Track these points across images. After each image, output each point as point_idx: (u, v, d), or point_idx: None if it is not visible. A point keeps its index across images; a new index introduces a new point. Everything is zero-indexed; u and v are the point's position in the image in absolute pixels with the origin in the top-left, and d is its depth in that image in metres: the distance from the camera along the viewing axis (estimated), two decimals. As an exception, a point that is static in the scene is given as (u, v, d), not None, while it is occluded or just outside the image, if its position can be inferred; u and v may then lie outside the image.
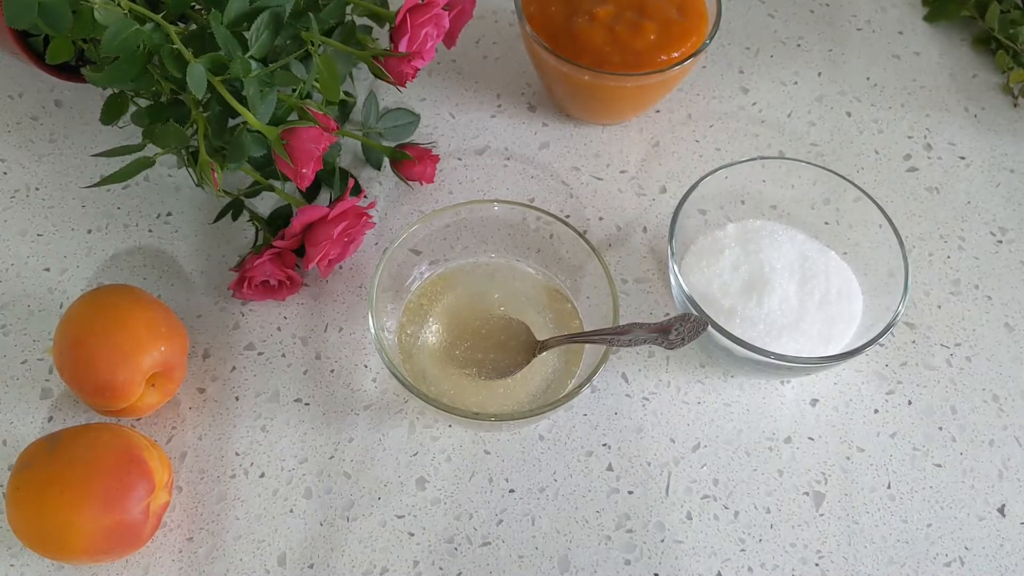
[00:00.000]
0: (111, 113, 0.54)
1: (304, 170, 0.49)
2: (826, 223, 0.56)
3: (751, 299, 0.52)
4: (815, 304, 0.52)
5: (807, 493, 0.51)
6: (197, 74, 0.47)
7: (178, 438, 0.52)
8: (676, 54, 0.58)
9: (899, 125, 0.66)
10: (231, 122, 0.54)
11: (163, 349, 0.49)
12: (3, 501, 0.49)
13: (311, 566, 0.48)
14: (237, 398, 0.53)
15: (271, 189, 0.56)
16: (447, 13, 0.54)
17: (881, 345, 0.56)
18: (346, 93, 0.60)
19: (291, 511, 0.50)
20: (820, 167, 0.54)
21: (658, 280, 0.58)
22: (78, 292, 0.56)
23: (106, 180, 0.53)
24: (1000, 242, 0.61)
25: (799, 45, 0.70)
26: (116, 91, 0.53)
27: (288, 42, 0.53)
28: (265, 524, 0.49)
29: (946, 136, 0.66)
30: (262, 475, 0.51)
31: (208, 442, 0.52)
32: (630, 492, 0.51)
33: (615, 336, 0.47)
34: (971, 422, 0.54)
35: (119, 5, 0.46)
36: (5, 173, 0.61)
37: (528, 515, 0.50)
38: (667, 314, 0.57)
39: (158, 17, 0.47)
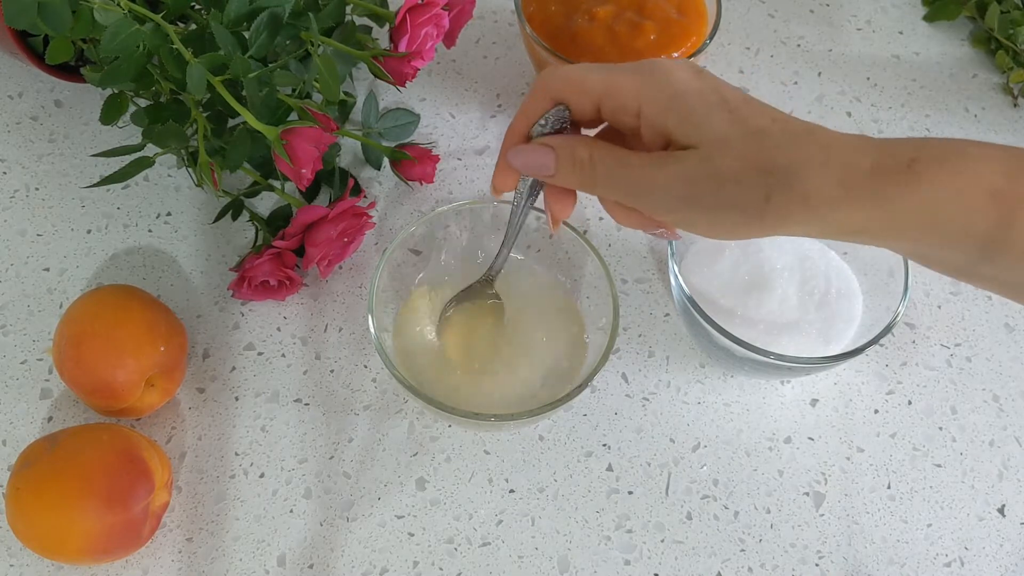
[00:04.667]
0: (111, 113, 0.54)
1: (304, 170, 0.49)
2: (826, 223, 0.56)
3: (751, 299, 0.52)
4: (815, 304, 0.52)
5: (807, 493, 0.51)
6: (197, 74, 0.47)
7: (178, 438, 0.52)
8: (676, 54, 0.58)
9: (899, 125, 0.66)
10: (231, 122, 0.54)
11: (163, 349, 0.49)
12: (3, 501, 0.49)
13: (311, 566, 0.48)
14: (237, 398, 0.53)
15: (271, 189, 0.56)
16: (447, 13, 0.54)
17: (881, 345, 0.56)
18: (346, 93, 0.60)
19: (291, 511, 0.50)
20: (820, 167, 0.54)
21: (658, 280, 0.58)
22: (78, 292, 0.56)
23: (106, 180, 0.53)
24: (1000, 242, 0.61)
25: (799, 45, 0.70)
26: (116, 91, 0.53)
27: (288, 42, 0.53)
28: (265, 524, 0.49)
29: (946, 136, 0.66)
30: (262, 475, 0.51)
31: (208, 442, 0.52)
32: (630, 492, 0.51)
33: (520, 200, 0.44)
34: (971, 422, 0.54)
35: (119, 5, 0.46)
36: (5, 173, 0.61)
37: (528, 515, 0.50)
38: (667, 315, 0.57)
39: (158, 17, 0.47)
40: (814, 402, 0.54)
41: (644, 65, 0.37)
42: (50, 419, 0.52)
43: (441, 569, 0.49)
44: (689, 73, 0.36)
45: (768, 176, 0.33)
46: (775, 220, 0.34)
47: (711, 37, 0.58)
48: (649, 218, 0.39)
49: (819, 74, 0.68)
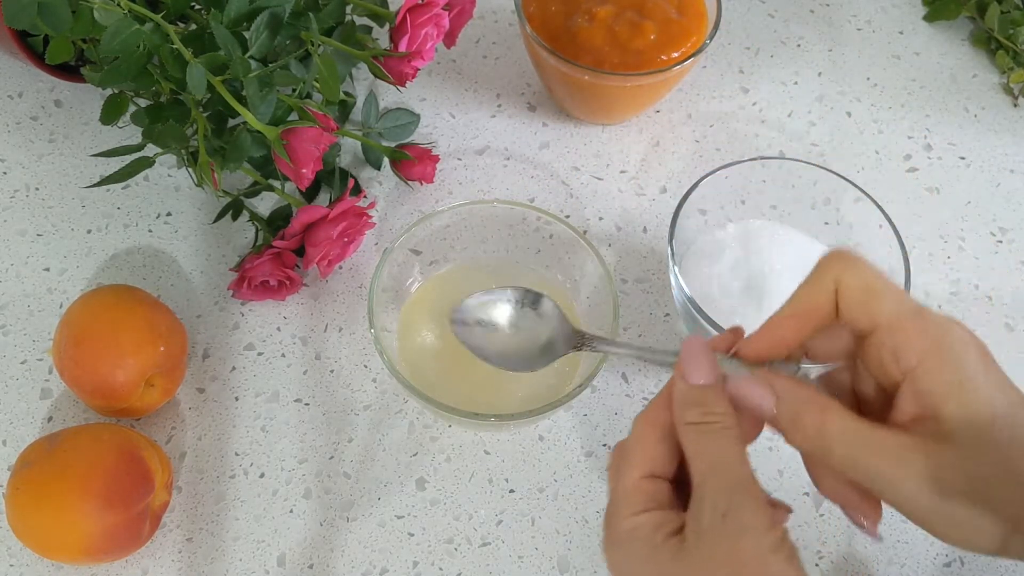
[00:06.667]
0: (111, 113, 0.54)
1: (304, 170, 0.49)
2: (826, 223, 0.56)
3: (751, 299, 0.52)
4: (815, 304, 0.52)
5: (807, 493, 0.51)
6: (197, 74, 0.47)
7: (178, 438, 0.52)
8: (676, 54, 0.58)
9: (899, 125, 0.66)
10: (231, 122, 0.54)
11: (163, 349, 0.49)
12: (3, 501, 0.49)
13: (311, 566, 0.48)
14: (237, 398, 0.53)
15: (271, 189, 0.56)
16: (447, 13, 0.54)
17: (881, 345, 0.56)
18: (346, 93, 0.60)
19: (291, 511, 0.50)
20: (820, 167, 0.54)
21: (658, 280, 0.58)
22: (78, 292, 0.56)
23: (106, 180, 0.53)
24: (1000, 242, 0.61)
25: (799, 45, 0.70)
26: (116, 91, 0.53)
27: (288, 42, 0.53)
28: (264, 524, 0.49)
29: (946, 136, 0.66)
30: (262, 475, 0.51)
31: (208, 442, 0.52)
32: (630, 492, 0.51)
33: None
34: (971, 422, 0.54)
35: (119, 5, 0.46)
36: (5, 173, 0.61)
37: (528, 515, 0.50)
38: (667, 315, 0.57)
39: (158, 17, 0.47)
40: (814, 402, 0.54)
41: (943, 337, 0.33)
42: (50, 419, 0.52)
43: (441, 569, 0.49)
44: (982, 366, 0.33)
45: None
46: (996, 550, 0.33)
47: (711, 37, 0.58)
48: (860, 497, 0.35)
49: (819, 74, 0.68)
